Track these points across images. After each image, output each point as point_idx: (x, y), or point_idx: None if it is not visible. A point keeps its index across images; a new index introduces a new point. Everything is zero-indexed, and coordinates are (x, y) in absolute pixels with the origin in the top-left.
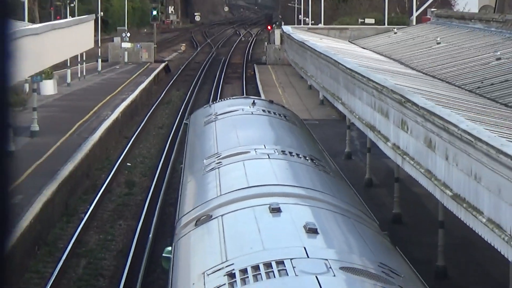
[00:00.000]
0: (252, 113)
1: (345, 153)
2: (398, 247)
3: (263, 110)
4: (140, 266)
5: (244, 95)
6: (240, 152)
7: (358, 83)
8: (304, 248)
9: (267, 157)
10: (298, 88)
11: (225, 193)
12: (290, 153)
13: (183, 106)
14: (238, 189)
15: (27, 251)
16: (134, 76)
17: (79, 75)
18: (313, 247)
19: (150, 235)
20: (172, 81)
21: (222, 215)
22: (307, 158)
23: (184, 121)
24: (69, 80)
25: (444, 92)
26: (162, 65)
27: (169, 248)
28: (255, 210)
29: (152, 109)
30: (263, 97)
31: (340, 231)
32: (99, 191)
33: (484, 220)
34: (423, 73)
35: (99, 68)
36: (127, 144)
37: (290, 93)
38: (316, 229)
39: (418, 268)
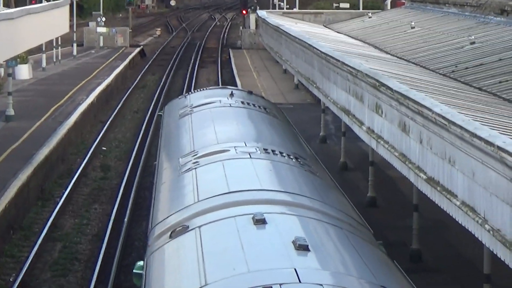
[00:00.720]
0: (230, 105)
1: (320, 137)
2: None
3: (242, 102)
4: (116, 249)
5: (221, 85)
6: (219, 150)
7: (332, 67)
8: (295, 270)
9: (249, 156)
10: (273, 73)
11: (203, 199)
12: (273, 151)
13: (158, 90)
14: (218, 195)
15: (2, 236)
16: (109, 60)
17: (54, 60)
18: (305, 268)
19: (125, 219)
20: (147, 66)
21: (200, 226)
22: (291, 157)
23: (157, 113)
24: (44, 64)
25: (418, 76)
26: (138, 49)
27: (141, 263)
28: (237, 220)
29: (128, 93)
30: (238, 81)
31: (334, 247)
32: (74, 175)
33: (458, 203)
34: (398, 57)
35: (75, 53)
36: (103, 128)
37: (265, 77)
38: (307, 245)
39: (393, 251)
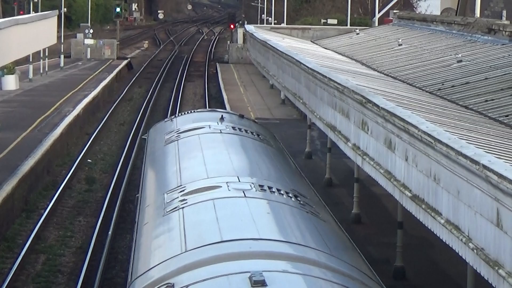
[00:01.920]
0: (220, 132)
1: (305, 153)
2: (357, 247)
3: (233, 128)
4: (99, 262)
5: (210, 108)
6: (209, 186)
7: (319, 83)
8: None
9: (243, 195)
10: (260, 87)
11: (192, 249)
12: (270, 188)
13: (144, 103)
14: (208, 244)
15: None
16: (96, 72)
17: (41, 71)
18: None
19: (110, 232)
20: (134, 78)
21: (187, 286)
22: (290, 195)
23: (141, 136)
24: (31, 75)
25: (405, 94)
26: (125, 62)
27: None
28: (231, 280)
29: (114, 105)
30: (224, 95)
31: None
32: (59, 187)
33: (442, 221)
34: (385, 74)
35: (62, 64)
36: (88, 141)
37: (252, 92)
38: None
39: (376, 268)
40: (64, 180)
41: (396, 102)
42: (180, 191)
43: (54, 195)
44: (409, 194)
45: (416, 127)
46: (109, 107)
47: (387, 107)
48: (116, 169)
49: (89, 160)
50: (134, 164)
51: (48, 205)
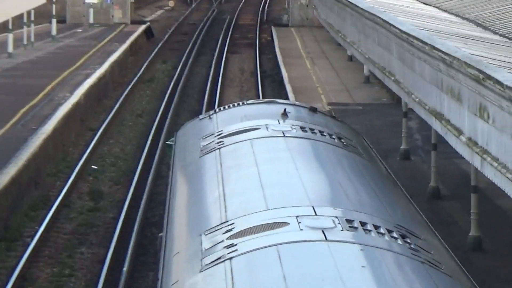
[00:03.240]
0: (284, 135)
1: (400, 152)
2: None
3: (303, 128)
4: None
5: (266, 99)
6: (270, 224)
7: (418, 53)
8: None
9: (323, 237)
10: (334, 60)
11: None
12: (363, 225)
13: (171, 87)
14: None
15: None
16: (102, 43)
17: (25, 42)
18: None
19: (124, 269)
20: (156, 50)
21: None
22: (394, 234)
23: (166, 142)
24: (10, 49)
25: None
26: (143, 27)
27: None
28: None
29: (128, 89)
30: (284, 72)
31: None
32: (52, 205)
33: None
34: (509, 38)
35: (54, 32)
36: (93, 139)
37: (322, 67)
38: None
39: None
40: (59, 195)
41: None
42: (226, 232)
43: (45, 217)
44: None
45: None
46: (121, 91)
47: None
48: (133, 179)
49: (94, 167)
50: (157, 171)
51: (37, 232)
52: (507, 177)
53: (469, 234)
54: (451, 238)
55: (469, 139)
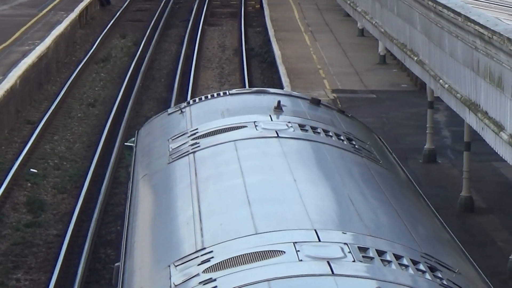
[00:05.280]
0: (277, 135)
1: (425, 152)
2: None
3: (301, 127)
4: None
5: (254, 87)
6: (261, 253)
7: (448, 26)
8: None
9: (329, 271)
10: (341, 35)
11: None
12: (380, 255)
13: (131, 68)
14: None
15: None
16: (44, 11)
17: None
18: None
19: None
20: (112, 21)
21: None
22: (420, 266)
23: (125, 143)
24: None
25: None
26: None
27: None
28: None
29: (77, 71)
30: (276, 50)
31: None
32: None
33: None
34: None
35: None
36: (31, 135)
37: (325, 43)
38: None
39: None
40: None
41: None
42: (202, 263)
43: None
44: None
45: None
46: (69, 73)
47: None
48: (82, 187)
49: (33, 171)
50: (114, 176)
51: None
52: None
53: (510, 257)
54: (488, 262)
55: None
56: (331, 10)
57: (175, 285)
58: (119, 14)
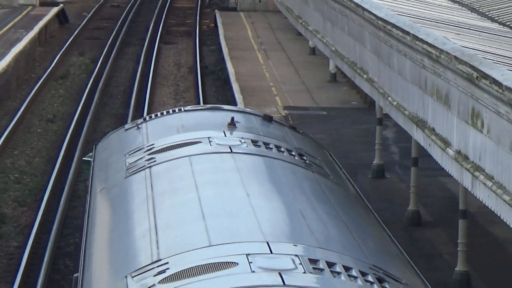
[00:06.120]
0: (231, 151)
1: (373, 168)
2: None
3: (254, 142)
4: None
5: (209, 104)
6: (215, 264)
7: (397, 45)
8: None
9: (280, 282)
10: (293, 53)
11: None
12: (330, 266)
13: (89, 85)
14: None
15: None
16: (3, 29)
17: None
18: None
19: None
20: (71, 39)
21: None
22: (369, 278)
23: (83, 158)
24: None
25: None
26: (54, 10)
27: None
28: None
29: (36, 87)
30: (230, 68)
31: None
32: None
33: None
34: (510, 27)
35: None
36: None
37: (278, 61)
38: None
39: None
40: None
41: None
42: (158, 273)
43: None
44: None
45: None
46: (28, 90)
47: None
48: (42, 200)
49: None
50: (72, 190)
51: None
52: (503, 200)
53: (456, 269)
54: (434, 273)
55: (458, 152)
56: (283, 29)
57: None
58: (78, 32)
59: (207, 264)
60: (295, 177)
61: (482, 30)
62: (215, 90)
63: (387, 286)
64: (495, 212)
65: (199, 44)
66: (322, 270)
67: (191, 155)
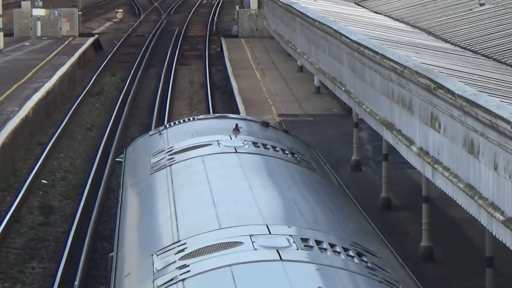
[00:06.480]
0: (236, 151)
1: (352, 162)
2: None
3: (255, 144)
4: None
5: (217, 114)
6: (224, 243)
7: (369, 63)
8: None
9: (277, 256)
10: (284, 71)
11: None
12: (318, 243)
13: (120, 99)
14: None
15: None
16: (50, 56)
17: None
18: None
19: (76, 283)
20: (104, 63)
21: None
22: (350, 253)
23: (116, 158)
24: None
25: (491, 74)
26: (91, 40)
27: None
28: None
29: (77, 102)
30: (234, 84)
31: None
32: (2, 220)
33: None
34: (461, 47)
35: (1, 46)
36: (42, 153)
37: (272, 77)
38: None
39: None
40: (9, 210)
41: (479, 86)
42: (178, 252)
43: None
44: (502, 218)
45: (508, 122)
46: (70, 105)
47: (466, 94)
48: (83, 193)
49: (44, 181)
50: (107, 185)
51: None
52: (458, 187)
53: (421, 244)
54: (403, 248)
55: (421, 149)
56: (276, 51)
57: (157, 270)
58: (110, 57)
59: (218, 243)
60: (288, 172)
61: (437, 49)
62: (222, 102)
63: (365, 259)
64: (452, 197)
65: (208, 65)
66: (311, 247)
67: (204, 155)
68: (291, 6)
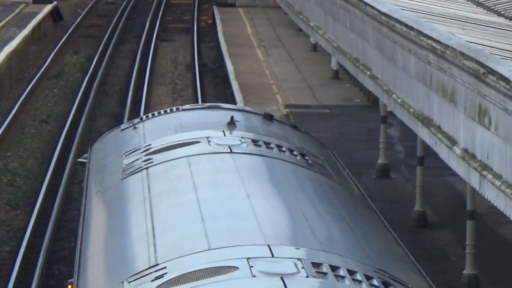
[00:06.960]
0: (230, 151)
1: (378, 167)
2: None
3: (255, 142)
4: None
5: (207, 103)
6: (214, 269)
7: (401, 41)
8: None
9: (282, 287)
10: (293, 50)
11: None
12: (334, 270)
13: (84, 84)
14: None
15: None
16: None
17: None
18: None
19: None
20: (65, 37)
21: None
22: (374, 282)
23: (78, 159)
24: None
25: None
26: (48, 7)
27: None
28: None
29: (30, 87)
30: (229, 65)
31: None
32: None
33: None
34: None
35: None
36: None
37: (278, 58)
38: None
39: None
40: None
41: None
42: (156, 279)
43: None
44: None
45: None
46: (21, 90)
47: None
48: (35, 203)
49: None
50: (67, 192)
51: None
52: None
53: (464, 272)
54: (442, 277)
55: (465, 151)
56: (283, 25)
57: None
58: (72, 29)
59: (206, 268)
60: (297, 178)
61: (489, 24)
62: (214, 88)
63: None
64: (504, 213)
65: (197, 41)
66: (325, 274)
67: (190, 156)
68: None
